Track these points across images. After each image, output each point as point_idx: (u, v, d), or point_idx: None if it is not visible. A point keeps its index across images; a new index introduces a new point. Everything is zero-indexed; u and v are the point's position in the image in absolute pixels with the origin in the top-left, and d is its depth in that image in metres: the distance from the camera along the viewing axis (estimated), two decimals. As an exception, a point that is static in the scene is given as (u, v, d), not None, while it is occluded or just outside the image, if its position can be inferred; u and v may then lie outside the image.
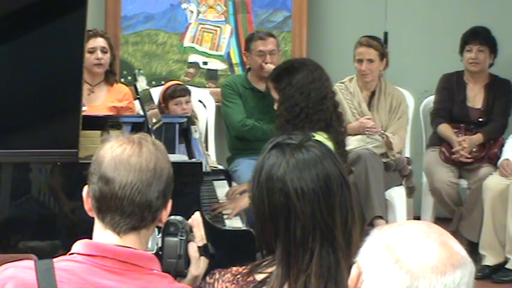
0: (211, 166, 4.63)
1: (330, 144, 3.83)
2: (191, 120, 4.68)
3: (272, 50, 5.22)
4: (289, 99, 3.92)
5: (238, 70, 6.13)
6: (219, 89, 5.66)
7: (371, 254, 1.48)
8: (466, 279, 1.45)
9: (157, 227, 2.10)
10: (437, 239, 1.46)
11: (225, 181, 4.52)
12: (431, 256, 1.43)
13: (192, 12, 6.22)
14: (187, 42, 6.22)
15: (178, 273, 2.12)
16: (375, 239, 1.49)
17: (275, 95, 4.02)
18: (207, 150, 5.24)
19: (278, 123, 4.00)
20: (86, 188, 2.05)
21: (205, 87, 6.14)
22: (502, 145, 5.46)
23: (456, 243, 1.47)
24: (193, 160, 3.87)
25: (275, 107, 4.04)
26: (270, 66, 5.01)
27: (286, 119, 3.91)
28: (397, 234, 1.48)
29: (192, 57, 6.23)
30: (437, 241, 1.46)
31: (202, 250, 2.16)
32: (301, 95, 3.91)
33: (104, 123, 4.16)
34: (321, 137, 3.83)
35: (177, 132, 4.33)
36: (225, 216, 3.85)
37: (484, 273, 5.20)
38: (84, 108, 4.67)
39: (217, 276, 2.03)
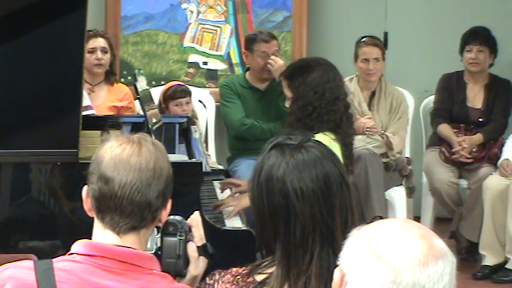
0: (211, 166, 4.63)
1: (336, 145, 3.83)
2: (191, 120, 4.68)
3: (275, 51, 5.23)
4: (302, 98, 3.92)
5: (238, 70, 6.13)
6: (218, 89, 5.67)
7: (352, 254, 1.48)
8: (448, 269, 1.45)
9: (157, 227, 2.10)
10: (416, 232, 1.47)
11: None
12: (412, 249, 1.44)
13: (192, 12, 6.22)
14: (187, 42, 6.22)
15: (178, 273, 2.12)
16: (355, 240, 1.49)
17: (288, 92, 4.01)
18: (207, 150, 5.24)
19: (288, 121, 4.00)
20: (85, 188, 2.05)
21: (205, 87, 6.14)
22: (502, 145, 5.46)
23: (435, 236, 1.49)
24: (193, 160, 3.87)
25: (287, 104, 4.04)
26: (275, 61, 5.03)
27: (298, 118, 3.91)
28: (375, 232, 1.49)
29: (192, 57, 6.23)
30: (416, 234, 1.47)
31: (202, 250, 2.16)
32: (315, 94, 3.91)
33: (104, 123, 4.16)
34: (327, 137, 3.83)
35: (177, 132, 4.33)
36: (225, 216, 3.85)
37: (484, 273, 5.20)
38: (92, 112, 4.70)
39: (217, 277, 2.03)
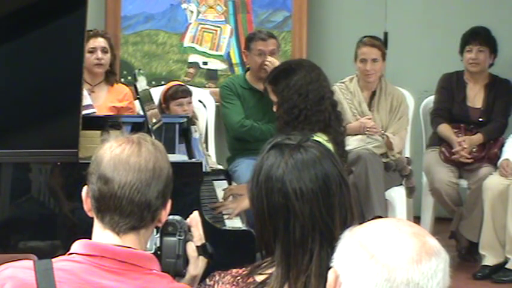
0: (211, 166, 4.63)
1: (329, 146, 3.83)
2: (191, 120, 4.68)
3: (272, 50, 5.22)
4: (287, 101, 3.92)
5: (238, 70, 6.13)
6: (218, 89, 5.67)
7: (346, 255, 1.49)
8: (442, 266, 1.46)
9: (156, 227, 2.10)
10: (408, 230, 1.48)
11: (225, 181, 4.52)
12: (404, 247, 1.45)
13: (192, 12, 6.23)
14: (187, 42, 6.23)
15: (177, 273, 2.12)
16: (347, 241, 1.50)
17: (273, 97, 4.01)
18: (207, 150, 5.23)
19: (278, 126, 4.00)
20: (85, 188, 2.05)
21: (205, 87, 6.15)
22: (502, 145, 5.46)
23: (427, 234, 1.49)
24: (193, 160, 3.87)
25: (274, 109, 4.04)
26: (272, 63, 5.02)
27: (286, 121, 3.91)
28: (368, 232, 1.49)
29: (192, 57, 6.24)
30: (408, 232, 1.47)
31: (201, 250, 2.16)
32: (300, 96, 3.91)
33: (104, 123, 4.16)
34: (320, 139, 3.82)
35: (177, 132, 4.33)
36: (225, 216, 3.86)
37: (484, 273, 5.20)
38: (94, 111, 4.70)
39: (217, 278, 2.03)
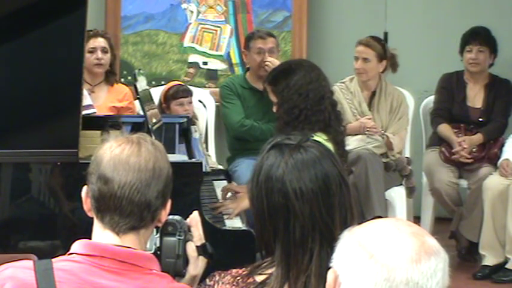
0: (211, 166, 4.63)
1: (329, 146, 3.83)
2: (191, 120, 4.68)
3: (271, 48, 5.22)
4: (287, 102, 3.92)
5: (238, 70, 6.13)
6: (218, 89, 5.67)
7: (345, 255, 1.49)
8: (441, 266, 1.46)
9: (156, 227, 2.10)
10: (407, 230, 1.48)
11: (225, 181, 4.52)
12: (404, 247, 1.45)
13: (192, 12, 6.23)
14: (187, 42, 6.23)
15: (177, 273, 2.12)
16: (346, 241, 1.50)
17: (273, 97, 4.02)
18: (207, 150, 5.23)
19: (278, 126, 4.00)
20: (85, 188, 2.05)
21: (205, 87, 6.15)
22: (502, 145, 5.46)
23: (426, 233, 1.49)
24: (193, 160, 3.87)
25: (274, 109, 4.05)
26: (272, 63, 5.01)
27: (286, 121, 3.91)
28: (367, 232, 1.49)
29: (192, 57, 6.24)
30: (408, 232, 1.47)
31: (201, 249, 2.16)
32: (300, 96, 3.91)
33: (104, 123, 4.16)
34: (320, 138, 3.82)
35: (177, 132, 4.33)
36: (225, 216, 3.86)
37: (484, 273, 5.21)
38: (94, 111, 4.70)
39: (217, 278, 2.03)
